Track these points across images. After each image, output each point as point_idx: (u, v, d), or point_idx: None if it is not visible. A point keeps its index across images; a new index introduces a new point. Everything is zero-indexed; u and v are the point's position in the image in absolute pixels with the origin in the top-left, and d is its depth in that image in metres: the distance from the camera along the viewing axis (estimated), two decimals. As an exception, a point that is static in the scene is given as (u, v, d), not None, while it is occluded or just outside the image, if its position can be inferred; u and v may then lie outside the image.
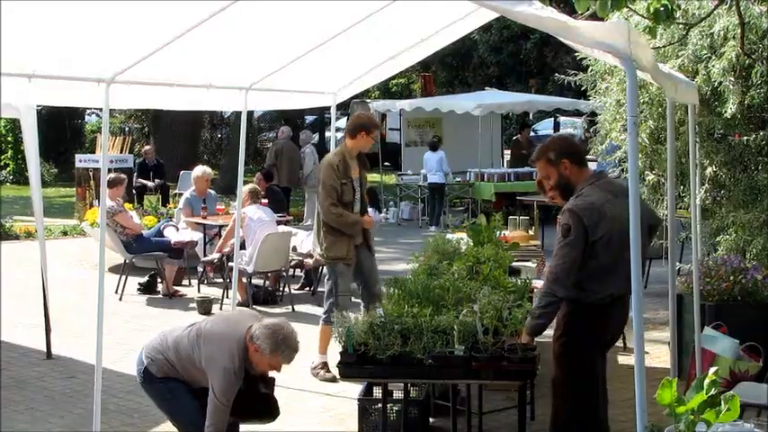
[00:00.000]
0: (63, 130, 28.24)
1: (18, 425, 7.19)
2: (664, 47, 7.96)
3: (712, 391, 3.10)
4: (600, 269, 5.22)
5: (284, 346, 5.31)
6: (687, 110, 7.07)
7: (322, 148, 28.53)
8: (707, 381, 3.13)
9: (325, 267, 8.58)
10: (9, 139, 28.42)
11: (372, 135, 8.15)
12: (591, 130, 9.62)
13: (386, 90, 35.26)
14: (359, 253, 8.13)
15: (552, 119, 31.55)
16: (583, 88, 9.44)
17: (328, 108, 9.08)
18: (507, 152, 24.38)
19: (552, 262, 5.33)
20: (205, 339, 5.49)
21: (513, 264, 7.27)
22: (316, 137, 29.87)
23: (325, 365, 8.19)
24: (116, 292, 11.77)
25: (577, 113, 23.25)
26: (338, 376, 7.13)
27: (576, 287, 5.24)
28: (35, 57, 5.96)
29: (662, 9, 5.56)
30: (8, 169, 28.81)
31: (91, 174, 17.70)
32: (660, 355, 8.60)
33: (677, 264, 8.24)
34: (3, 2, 4.82)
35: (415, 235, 16.97)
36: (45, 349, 9.10)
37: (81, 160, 18.62)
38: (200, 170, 13.41)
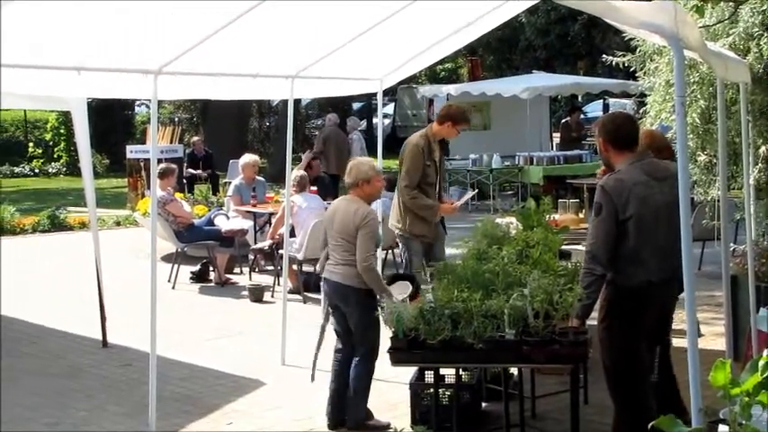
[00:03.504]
0: (114, 122, 28.55)
1: (77, 413, 7.32)
2: (713, 25, 7.85)
3: (767, 373, 3.05)
4: (634, 251, 5.18)
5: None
6: (739, 88, 6.97)
7: (369, 134, 28.56)
8: (761, 362, 3.08)
9: (399, 242, 8.74)
10: (62, 131, 28.83)
11: (458, 127, 8.36)
12: (641, 111, 9.51)
13: (433, 75, 35.12)
14: (437, 232, 8.45)
15: (601, 101, 31.24)
16: (632, 69, 9.34)
17: (375, 94, 9.09)
18: (556, 135, 24.21)
19: (587, 241, 5.35)
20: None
21: (564, 247, 7.24)
22: (363, 123, 29.92)
23: None
24: (169, 281, 11.91)
25: (626, 95, 22.99)
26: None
27: (613, 269, 5.20)
28: (84, 50, 6.03)
29: (710, -13, 5.49)
30: (61, 161, 29.24)
31: (142, 164, 17.88)
32: (715, 338, 8.51)
33: (731, 245, 8.14)
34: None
35: (464, 220, 16.91)
36: (101, 338, 9.24)
37: (132, 151, 18.80)
38: (247, 158, 13.54)
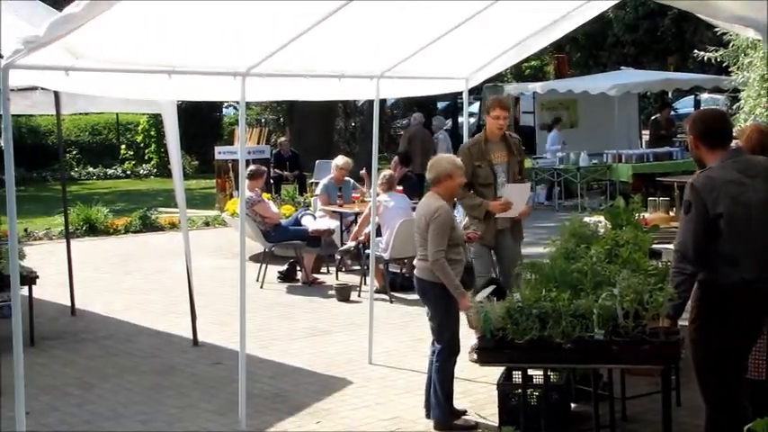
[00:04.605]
0: (202, 124, 28.95)
1: (169, 409, 7.46)
2: (809, 18, 7.65)
3: None
4: (726, 250, 5.05)
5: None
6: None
7: (455, 133, 28.49)
8: None
9: None
10: (152, 133, 29.40)
11: (491, 114, 8.02)
12: (734, 107, 9.32)
13: (518, 73, 34.90)
14: (502, 239, 8.03)
15: (692, 97, 30.67)
16: (724, 64, 9.16)
17: (461, 93, 9.04)
18: (645, 132, 23.86)
19: (677, 240, 5.23)
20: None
21: (654, 246, 7.13)
22: (449, 123, 29.84)
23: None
24: (257, 281, 12.06)
25: (718, 90, 22.53)
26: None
27: (705, 268, 5.10)
28: (174, 54, 6.16)
29: (806, -22, 5.34)
30: (152, 163, 29.82)
31: (230, 165, 18.11)
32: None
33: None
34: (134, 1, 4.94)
35: (551, 218, 16.80)
36: (191, 336, 9.41)
37: (220, 152, 19.04)
38: (341, 160, 13.72)
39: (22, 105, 9.70)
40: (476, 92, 30.46)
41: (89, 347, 9.44)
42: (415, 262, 6.93)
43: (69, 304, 10.81)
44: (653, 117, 22.94)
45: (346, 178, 13.67)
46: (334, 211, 13.08)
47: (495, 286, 6.55)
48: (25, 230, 16.42)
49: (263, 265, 12.20)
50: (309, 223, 12.77)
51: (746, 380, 5.48)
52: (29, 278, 9.18)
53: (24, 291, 9.01)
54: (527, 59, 24.44)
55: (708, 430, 5.30)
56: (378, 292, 10.61)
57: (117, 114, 30.63)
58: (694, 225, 5.09)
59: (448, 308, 6.63)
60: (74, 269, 10.85)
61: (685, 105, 31.33)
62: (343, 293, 11.29)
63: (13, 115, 5.22)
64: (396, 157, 15.53)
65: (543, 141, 22.68)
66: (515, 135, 8.50)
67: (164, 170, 27.19)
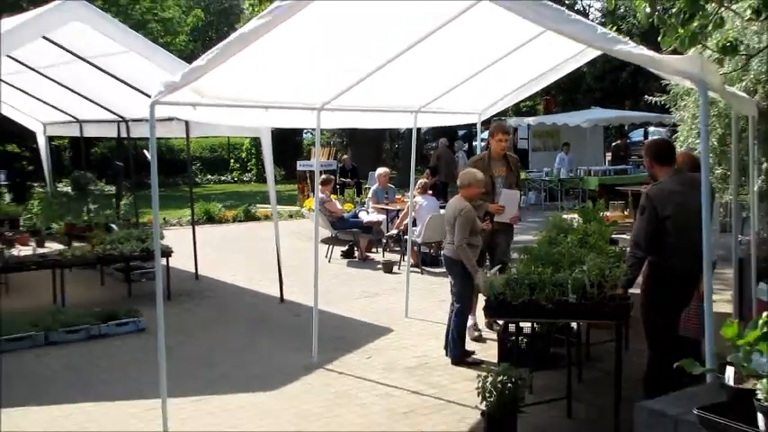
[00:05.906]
0: (287, 145, 29.12)
1: (262, 346, 7.55)
2: (730, 72, 7.56)
3: (765, 329, 2.98)
4: (671, 243, 5.03)
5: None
6: (748, 120, 6.70)
7: (471, 153, 28.33)
8: (761, 321, 3.01)
9: None
10: (253, 151, 29.70)
11: (495, 138, 7.51)
12: (673, 137, 9.21)
13: (517, 109, 34.58)
14: (495, 237, 7.45)
15: (643, 129, 30.27)
16: (666, 106, 9.07)
17: (475, 124, 9.03)
18: (608, 154, 23.66)
19: (632, 233, 5.25)
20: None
21: (613, 236, 7.10)
22: (466, 145, 29.70)
23: (473, 326, 7.56)
24: (326, 257, 12.13)
25: (661, 125, 22.25)
26: (484, 318, 7.22)
27: (655, 255, 5.08)
28: (269, 94, 6.23)
29: (728, 44, 5.31)
30: (252, 172, 30.09)
31: (307, 174, 18.19)
32: (725, 304, 8.16)
33: (739, 235, 7.83)
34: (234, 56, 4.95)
35: (539, 215, 16.68)
36: (279, 296, 9.50)
37: (300, 165, 19.13)
38: (381, 170, 13.70)
39: (162, 131, 9.87)
40: (486, 123, 30.34)
41: (207, 302, 9.58)
42: (444, 245, 6.94)
43: (194, 271, 10.96)
44: (614, 143, 22.74)
45: (390, 185, 13.67)
46: (382, 208, 13.12)
47: (502, 265, 6.53)
48: (164, 219, 16.64)
49: (330, 246, 12.27)
50: (364, 216, 12.82)
51: (681, 337, 5.46)
52: (167, 252, 9.34)
53: (164, 261, 9.18)
54: (524, 100, 24.27)
55: (649, 367, 5.30)
56: (413, 266, 10.62)
57: (228, 137, 30.90)
58: (646, 224, 5.08)
59: (466, 279, 6.67)
60: (197, 247, 11.00)
61: (637, 135, 30.89)
62: (388, 267, 11.33)
63: (156, 138, 5.32)
64: (427, 170, 15.51)
65: (536, 159, 22.64)
66: (515, 155, 8.05)
67: (261, 177, 27.39)
